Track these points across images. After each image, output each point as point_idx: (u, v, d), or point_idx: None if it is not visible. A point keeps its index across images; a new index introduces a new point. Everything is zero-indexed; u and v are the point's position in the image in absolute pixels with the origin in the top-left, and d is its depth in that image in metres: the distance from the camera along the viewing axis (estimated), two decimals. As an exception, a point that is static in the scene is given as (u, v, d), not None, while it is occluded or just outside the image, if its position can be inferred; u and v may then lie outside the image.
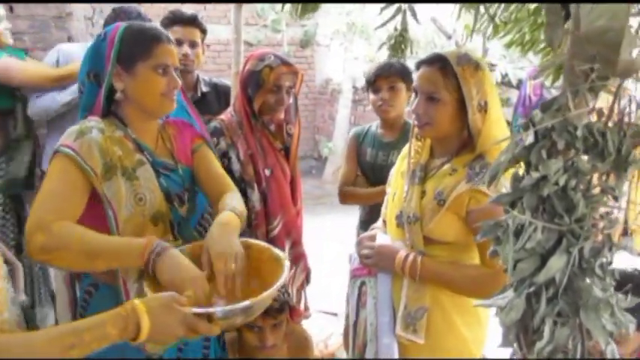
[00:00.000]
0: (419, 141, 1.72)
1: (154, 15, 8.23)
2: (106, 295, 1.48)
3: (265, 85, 2.04)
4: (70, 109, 2.61)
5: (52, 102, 2.56)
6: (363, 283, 1.75)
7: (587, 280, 0.84)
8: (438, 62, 1.57)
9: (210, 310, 1.18)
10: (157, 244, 1.30)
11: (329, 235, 3.52)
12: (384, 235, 1.77)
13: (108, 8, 2.76)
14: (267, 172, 2.10)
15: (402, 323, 1.63)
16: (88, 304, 1.53)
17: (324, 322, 3.49)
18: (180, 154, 1.61)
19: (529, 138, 0.83)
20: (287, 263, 1.37)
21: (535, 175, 0.81)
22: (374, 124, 2.56)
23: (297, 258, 2.22)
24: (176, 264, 1.28)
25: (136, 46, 1.45)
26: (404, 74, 2.37)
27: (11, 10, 2.92)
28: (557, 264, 0.82)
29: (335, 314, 3.69)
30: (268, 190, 2.09)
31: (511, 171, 0.87)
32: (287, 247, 2.15)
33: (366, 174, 2.49)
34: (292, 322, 2.10)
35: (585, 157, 0.82)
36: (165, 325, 1.09)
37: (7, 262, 2.54)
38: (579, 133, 0.76)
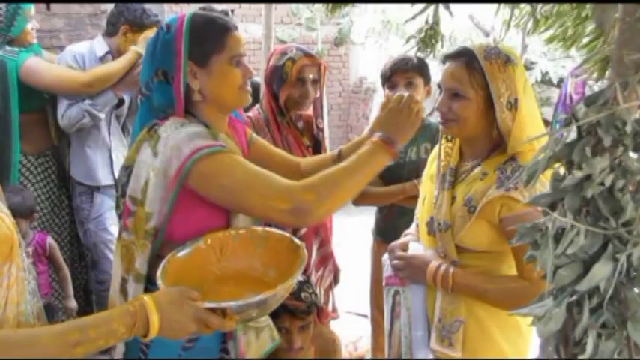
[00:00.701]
0: (448, 142, 1.65)
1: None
2: None
3: (289, 78, 2.01)
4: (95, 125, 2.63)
5: (79, 114, 2.58)
6: (397, 292, 1.68)
7: (636, 290, 0.77)
8: (464, 56, 1.49)
9: (224, 304, 1.13)
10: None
11: (362, 235, 3.46)
12: (416, 244, 1.70)
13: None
14: None
15: (437, 336, 1.56)
16: None
17: (353, 323, 3.44)
18: (244, 149, 1.59)
19: (571, 134, 0.76)
20: (304, 253, 1.31)
21: (578, 174, 0.75)
22: None
23: (326, 258, 2.17)
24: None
25: (208, 39, 1.36)
26: (422, 69, 2.28)
27: (48, 8, 2.97)
28: (601, 271, 0.75)
29: (365, 315, 3.63)
30: None
31: (547, 173, 0.80)
32: (315, 247, 2.10)
33: (382, 173, 2.39)
34: (320, 323, 2.05)
35: (634, 155, 0.75)
36: (175, 321, 1.06)
37: (57, 266, 2.59)
38: (628, 128, 0.69)
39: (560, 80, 5.77)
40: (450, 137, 1.65)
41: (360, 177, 1.32)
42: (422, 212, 1.69)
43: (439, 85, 1.57)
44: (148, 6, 2.71)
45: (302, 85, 2.02)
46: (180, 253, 1.32)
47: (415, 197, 2.18)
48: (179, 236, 1.37)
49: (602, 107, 0.73)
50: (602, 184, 0.73)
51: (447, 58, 1.55)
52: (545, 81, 5.94)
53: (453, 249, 1.54)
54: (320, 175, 1.29)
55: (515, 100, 1.46)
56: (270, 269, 1.35)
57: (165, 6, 3.18)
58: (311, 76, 2.03)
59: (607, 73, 0.76)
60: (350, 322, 3.42)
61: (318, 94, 2.12)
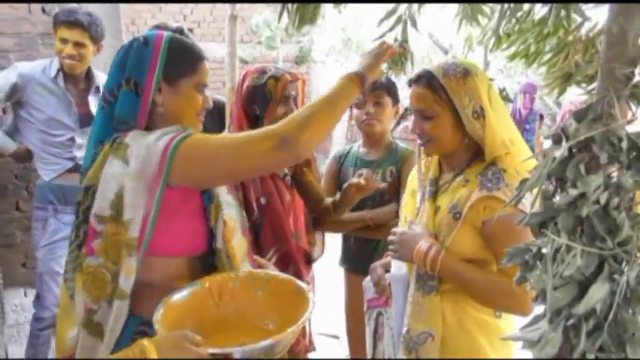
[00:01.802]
0: (427, 157, 1.65)
1: (169, 13, 8.15)
2: None
3: (274, 97, 1.93)
4: None
5: None
6: (379, 314, 1.67)
7: (633, 311, 0.74)
8: (425, 78, 1.55)
9: (229, 349, 1.07)
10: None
11: (330, 255, 3.41)
12: (398, 262, 1.67)
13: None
14: (263, 201, 1.96)
15: (404, 347, 1.56)
16: None
17: (324, 345, 3.37)
18: None
19: (562, 152, 0.74)
20: (310, 295, 1.26)
21: (572, 192, 0.72)
22: (355, 145, 2.42)
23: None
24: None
25: (183, 61, 1.40)
26: (390, 89, 2.27)
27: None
28: (598, 293, 0.72)
29: (336, 337, 3.57)
30: (262, 221, 1.94)
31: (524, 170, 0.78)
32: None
33: None
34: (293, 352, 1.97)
35: (627, 172, 0.73)
36: None
37: None
38: (624, 144, 0.67)
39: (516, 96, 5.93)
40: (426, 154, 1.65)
41: (333, 107, 1.38)
42: (403, 226, 1.68)
43: (410, 110, 1.59)
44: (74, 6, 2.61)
45: (286, 103, 1.95)
46: (177, 297, 1.26)
47: (376, 229, 2.15)
48: (160, 249, 1.31)
49: (594, 123, 0.71)
50: (597, 202, 0.71)
51: (411, 82, 1.60)
52: (503, 97, 6.08)
53: None
54: (295, 112, 1.36)
55: (481, 108, 1.49)
56: (272, 313, 1.30)
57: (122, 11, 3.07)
58: (294, 93, 1.98)
59: (596, 87, 0.74)
60: (321, 343, 3.34)
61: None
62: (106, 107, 1.41)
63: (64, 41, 2.55)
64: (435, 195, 1.59)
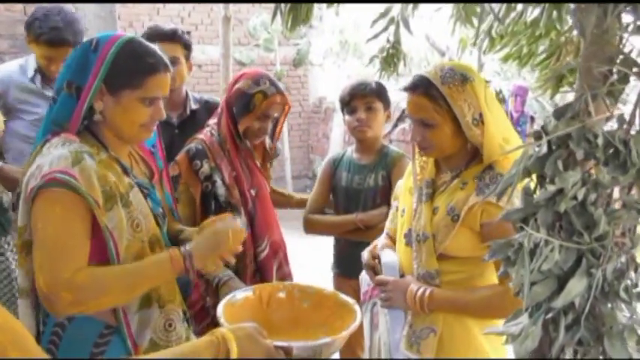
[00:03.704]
0: (422, 156, 1.66)
1: (166, 16, 8.13)
2: (84, 330, 1.36)
3: (255, 110, 1.96)
4: None
5: None
6: (374, 304, 1.68)
7: (611, 305, 0.76)
8: (422, 86, 1.52)
9: (293, 343, 1.19)
10: (182, 249, 1.34)
11: (323, 257, 3.42)
12: (387, 251, 1.69)
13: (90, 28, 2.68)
14: (253, 192, 2.02)
15: (406, 341, 1.57)
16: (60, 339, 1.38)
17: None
18: (156, 173, 1.57)
19: (542, 148, 0.75)
20: (356, 308, 1.35)
21: (550, 188, 0.73)
22: (349, 149, 2.42)
23: (284, 279, 2.13)
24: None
25: (127, 73, 1.34)
26: (381, 94, 2.25)
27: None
28: (576, 287, 0.74)
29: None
30: (255, 212, 2.00)
31: (524, 183, 0.79)
32: (274, 269, 2.05)
33: (341, 200, 2.33)
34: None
35: (604, 169, 0.75)
36: (250, 355, 1.11)
37: None
38: (600, 141, 0.68)
39: (513, 98, 5.95)
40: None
41: (136, 283, 1.31)
42: (401, 223, 1.69)
43: (409, 117, 1.60)
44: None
45: (264, 121, 1.98)
46: (233, 299, 1.38)
47: (367, 231, 2.17)
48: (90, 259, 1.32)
49: (572, 120, 0.72)
50: (574, 198, 0.72)
51: (407, 89, 1.57)
52: (499, 99, 6.11)
53: (432, 259, 1.55)
54: (97, 275, 1.27)
55: (480, 114, 1.49)
56: (318, 323, 1.39)
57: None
58: (276, 114, 2.01)
59: (575, 85, 0.75)
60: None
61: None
62: (52, 106, 1.41)
63: (50, 59, 2.38)
64: (432, 196, 1.59)
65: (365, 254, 1.77)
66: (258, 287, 1.43)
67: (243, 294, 1.41)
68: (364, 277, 1.75)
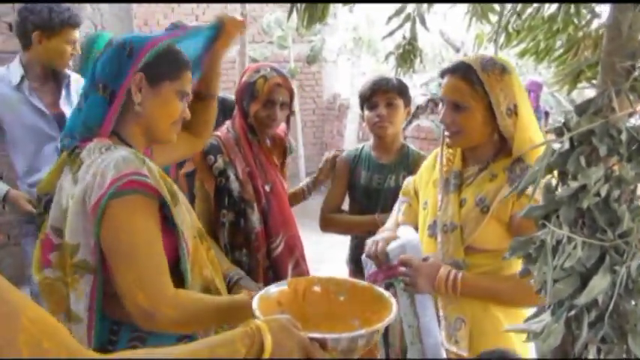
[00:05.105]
0: (449, 148, 1.67)
1: (181, 14, 8.18)
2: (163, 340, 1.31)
3: (259, 95, 1.97)
4: None
5: None
6: (390, 285, 1.63)
7: (635, 302, 0.75)
8: (463, 70, 1.54)
9: (327, 336, 1.16)
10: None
11: (335, 254, 3.42)
12: (407, 228, 1.68)
13: (107, 27, 2.71)
14: (267, 188, 2.02)
15: (446, 334, 1.57)
16: None
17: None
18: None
19: (565, 144, 0.75)
20: (394, 301, 1.32)
21: (573, 185, 0.73)
22: (366, 144, 2.37)
23: (301, 276, 2.13)
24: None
25: (167, 64, 1.35)
26: (402, 90, 2.23)
27: (10, 29, 2.85)
28: (600, 284, 0.73)
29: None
30: (269, 207, 2.01)
31: (545, 179, 0.79)
32: (290, 267, 2.06)
33: (359, 199, 2.30)
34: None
35: (627, 165, 0.74)
36: (284, 347, 1.09)
37: None
38: (624, 136, 0.67)
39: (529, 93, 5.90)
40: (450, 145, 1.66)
41: (215, 320, 1.33)
42: (423, 216, 1.69)
43: (441, 99, 1.60)
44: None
45: (271, 107, 1.99)
46: (268, 293, 1.36)
47: None
48: None
49: (595, 116, 0.72)
50: (597, 194, 0.72)
51: (446, 72, 1.59)
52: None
53: (458, 249, 1.55)
54: (194, 299, 1.27)
55: (515, 106, 1.51)
56: (354, 316, 1.38)
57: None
58: (281, 98, 2.01)
59: (596, 81, 0.75)
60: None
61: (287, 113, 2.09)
62: (78, 110, 1.37)
63: (74, 42, 2.39)
64: (459, 188, 1.60)
65: (369, 243, 1.70)
66: (293, 281, 1.41)
67: (278, 287, 1.39)
68: (366, 259, 1.71)
